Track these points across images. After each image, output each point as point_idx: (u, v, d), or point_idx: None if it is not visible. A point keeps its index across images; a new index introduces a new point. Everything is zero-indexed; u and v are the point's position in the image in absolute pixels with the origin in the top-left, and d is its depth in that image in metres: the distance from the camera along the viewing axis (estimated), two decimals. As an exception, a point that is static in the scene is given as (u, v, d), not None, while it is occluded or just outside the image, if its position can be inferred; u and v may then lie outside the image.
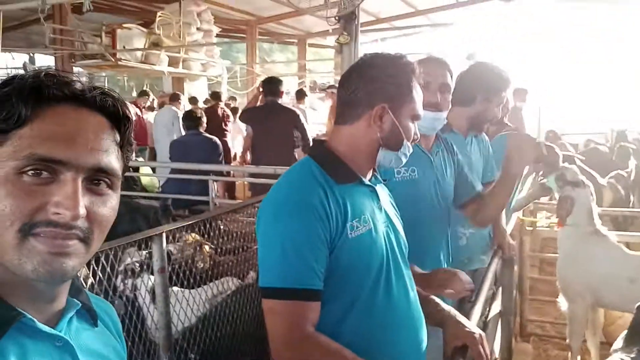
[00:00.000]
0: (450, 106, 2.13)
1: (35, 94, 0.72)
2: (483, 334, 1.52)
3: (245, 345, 3.07)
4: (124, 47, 10.11)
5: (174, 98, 8.19)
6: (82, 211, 0.71)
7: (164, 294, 2.43)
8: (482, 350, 1.43)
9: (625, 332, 2.32)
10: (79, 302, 0.81)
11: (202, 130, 5.53)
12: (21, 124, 0.71)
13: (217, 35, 12.71)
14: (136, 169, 6.45)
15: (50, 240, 0.70)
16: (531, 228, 3.96)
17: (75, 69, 10.25)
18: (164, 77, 12.51)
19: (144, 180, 6.84)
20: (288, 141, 5.22)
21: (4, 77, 0.76)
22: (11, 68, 14.64)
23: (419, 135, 1.50)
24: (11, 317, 0.70)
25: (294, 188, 1.36)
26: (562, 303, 3.53)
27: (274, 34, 14.41)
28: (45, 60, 14.24)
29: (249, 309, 3.09)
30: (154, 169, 6.96)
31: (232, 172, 6.33)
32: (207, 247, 3.22)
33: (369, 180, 1.47)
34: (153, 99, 10.35)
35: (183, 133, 6.42)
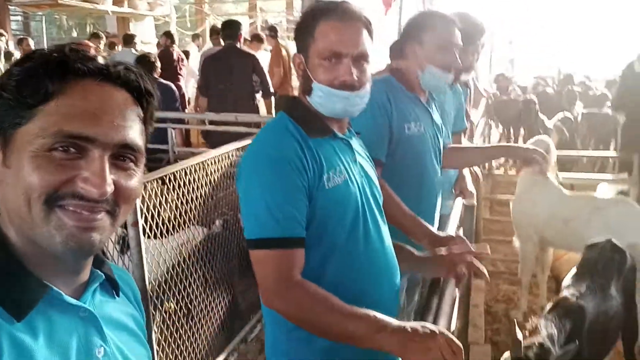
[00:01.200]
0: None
1: (60, 68, 0.71)
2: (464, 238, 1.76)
3: (217, 291, 3.17)
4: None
5: (129, 40, 7.71)
6: (110, 188, 0.72)
7: (137, 247, 2.45)
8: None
9: (574, 269, 2.54)
10: (102, 274, 0.82)
11: (156, 75, 5.35)
12: (47, 100, 0.70)
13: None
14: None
15: (78, 213, 0.71)
16: (487, 172, 4.15)
17: (12, 9, 9.64)
18: (107, 17, 11.90)
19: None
20: (247, 86, 5.13)
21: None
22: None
23: (348, 78, 1.41)
24: (40, 291, 0.71)
25: (271, 144, 1.40)
26: (516, 242, 3.80)
27: (224, -29, 13.85)
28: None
29: (219, 256, 3.16)
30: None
31: (187, 119, 6.19)
32: (172, 197, 3.23)
33: (344, 134, 1.52)
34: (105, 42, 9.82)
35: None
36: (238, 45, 5.22)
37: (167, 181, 2.75)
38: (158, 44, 9.06)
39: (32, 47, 7.95)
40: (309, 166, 1.36)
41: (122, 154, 0.75)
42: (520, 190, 3.69)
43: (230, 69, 5.06)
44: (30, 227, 0.71)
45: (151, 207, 2.68)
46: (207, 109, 5.28)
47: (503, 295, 4.14)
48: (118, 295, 0.86)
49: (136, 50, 7.46)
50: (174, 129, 5.06)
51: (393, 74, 2.16)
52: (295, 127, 1.41)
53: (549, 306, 2.21)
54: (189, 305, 2.86)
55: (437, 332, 1.29)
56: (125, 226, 2.47)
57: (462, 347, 1.30)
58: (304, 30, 1.44)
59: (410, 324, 1.31)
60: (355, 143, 1.57)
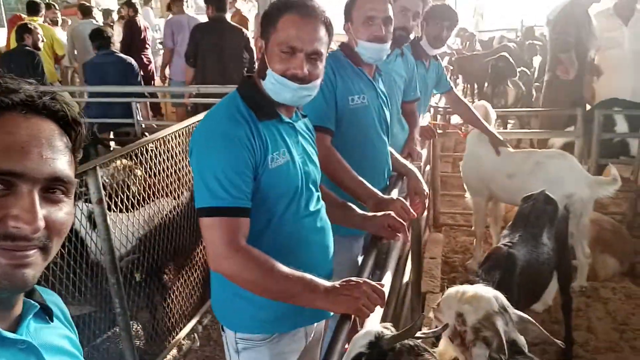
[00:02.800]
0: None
1: None
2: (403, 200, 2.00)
3: (185, 260, 3.33)
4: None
5: (87, 11, 7.49)
6: (41, 224, 0.71)
7: (104, 223, 2.59)
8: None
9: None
10: (36, 304, 0.81)
11: (114, 49, 5.31)
12: None
13: None
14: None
15: (10, 252, 0.70)
16: (441, 131, 4.32)
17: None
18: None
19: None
20: (239, 62, 5.10)
21: None
22: None
23: (299, 72, 1.55)
24: None
25: (223, 121, 1.55)
26: (468, 197, 4.03)
27: None
28: None
29: (185, 227, 3.31)
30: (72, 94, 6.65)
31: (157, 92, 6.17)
32: (138, 171, 3.33)
33: (290, 118, 1.67)
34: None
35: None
36: (227, 16, 5.21)
37: (132, 156, 2.86)
38: (121, 15, 8.83)
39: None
40: (256, 146, 1.52)
41: (52, 186, 0.74)
42: (468, 148, 3.90)
43: (220, 43, 5.03)
44: None
45: (114, 184, 2.80)
46: (194, 81, 5.24)
47: (461, 246, 4.39)
48: (52, 321, 0.85)
49: (96, 20, 7.33)
50: (137, 102, 5.10)
51: (342, 49, 2.30)
52: (246, 108, 1.56)
53: (483, 257, 2.43)
54: (159, 274, 3.03)
55: (362, 281, 1.50)
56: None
57: (383, 290, 1.51)
58: (268, 19, 1.58)
59: (338, 282, 1.51)
60: (300, 125, 1.73)
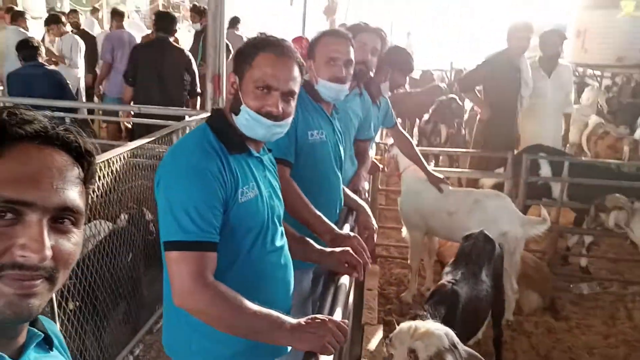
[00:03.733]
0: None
1: None
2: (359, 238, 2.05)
3: (122, 285, 3.19)
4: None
5: (17, 16, 6.98)
6: (49, 253, 0.71)
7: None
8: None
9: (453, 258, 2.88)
10: (40, 333, 0.81)
11: (41, 60, 4.99)
12: None
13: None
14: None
15: (17, 282, 0.70)
16: (382, 166, 4.46)
17: None
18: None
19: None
20: (179, 84, 5.02)
21: None
22: None
23: (275, 110, 1.58)
24: None
25: (194, 154, 1.53)
26: (404, 232, 4.17)
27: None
28: None
29: (123, 252, 3.18)
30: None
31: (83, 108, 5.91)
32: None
33: (259, 152, 1.68)
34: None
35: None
36: (171, 39, 5.12)
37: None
38: (47, 21, 8.23)
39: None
40: (227, 179, 1.52)
41: (61, 216, 0.74)
42: (407, 185, 4.06)
43: (162, 63, 4.95)
44: None
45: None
46: (132, 100, 5.13)
47: (395, 278, 4.51)
48: (52, 350, 0.85)
49: (26, 28, 6.93)
50: (72, 119, 4.87)
51: (303, 85, 2.35)
52: (217, 141, 1.56)
53: (429, 293, 2.53)
54: (94, 301, 2.88)
55: (327, 319, 1.52)
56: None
57: (347, 327, 1.54)
58: (243, 56, 1.60)
59: (303, 319, 1.52)
60: (266, 159, 1.75)
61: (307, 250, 1.97)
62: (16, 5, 8.82)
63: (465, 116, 6.71)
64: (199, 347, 1.63)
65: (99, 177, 2.91)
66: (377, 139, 4.43)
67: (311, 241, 2.00)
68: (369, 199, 4.24)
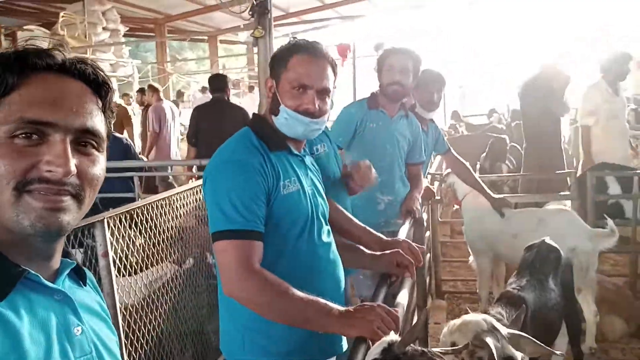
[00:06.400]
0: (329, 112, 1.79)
1: (20, 63, 0.76)
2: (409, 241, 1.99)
3: (188, 326, 3.25)
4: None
5: None
6: (73, 168, 0.75)
7: (108, 276, 2.57)
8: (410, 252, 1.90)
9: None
10: (72, 262, 0.85)
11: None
12: (8, 92, 0.75)
13: (125, 35, 12.45)
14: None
15: (44, 196, 0.74)
16: (439, 197, 4.41)
17: None
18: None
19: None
20: None
21: None
22: None
23: (311, 107, 1.63)
24: (18, 273, 0.74)
25: (236, 151, 1.63)
26: (472, 260, 4.04)
27: (184, 32, 14.30)
28: None
29: (188, 291, 3.26)
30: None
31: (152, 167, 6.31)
32: (140, 240, 3.33)
33: (299, 152, 1.75)
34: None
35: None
36: (226, 97, 5.42)
37: (127, 223, 2.88)
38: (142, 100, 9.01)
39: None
40: (269, 173, 1.58)
41: (83, 139, 0.79)
42: (469, 213, 3.98)
43: (220, 120, 5.20)
44: (1, 214, 0.75)
45: (122, 244, 2.79)
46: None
47: (464, 313, 4.31)
48: (85, 284, 0.89)
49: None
50: (140, 177, 5.19)
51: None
52: (258, 141, 1.65)
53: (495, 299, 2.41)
54: (160, 335, 2.94)
55: (376, 305, 1.50)
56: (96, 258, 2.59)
57: (397, 314, 1.50)
58: (279, 60, 1.70)
59: (352, 307, 1.50)
60: (308, 161, 1.81)
61: (358, 256, 1.97)
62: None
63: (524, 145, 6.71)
64: (252, 345, 1.64)
65: (163, 214, 3.06)
66: (432, 169, 4.41)
67: (360, 247, 2.00)
68: (429, 232, 4.19)
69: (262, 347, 1.63)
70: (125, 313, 2.77)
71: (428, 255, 4.07)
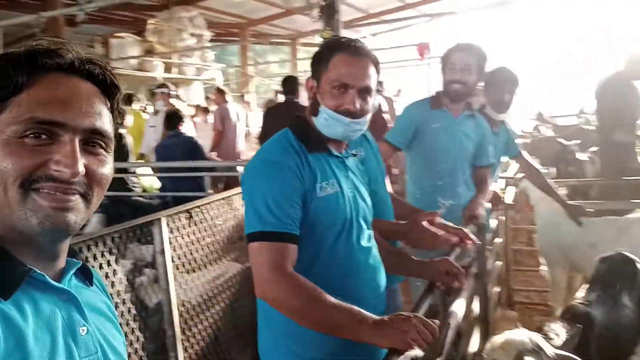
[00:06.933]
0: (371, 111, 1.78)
1: (29, 62, 0.76)
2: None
3: (245, 324, 3.29)
4: (118, 56, 10.32)
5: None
6: (81, 168, 0.75)
7: (165, 273, 2.65)
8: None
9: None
10: (78, 261, 0.85)
11: (181, 129, 5.66)
12: (18, 91, 0.75)
13: (211, 40, 12.91)
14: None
15: (52, 195, 0.74)
16: (511, 202, 4.17)
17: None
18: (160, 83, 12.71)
19: (144, 183, 7.06)
20: None
21: None
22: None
23: (352, 107, 1.59)
24: (24, 272, 0.74)
25: (275, 152, 1.61)
26: (545, 269, 3.79)
27: (266, 36, 14.61)
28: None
29: (246, 290, 3.30)
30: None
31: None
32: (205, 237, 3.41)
33: (340, 153, 1.70)
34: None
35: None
36: (297, 99, 5.50)
37: (193, 219, 2.96)
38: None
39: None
40: (305, 175, 1.55)
41: (91, 139, 0.79)
42: (542, 220, 3.73)
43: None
44: (8, 212, 0.74)
45: (181, 243, 2.87)
46: None
47: (537, 327, 4.05)
48: (92, 284, 0.89)
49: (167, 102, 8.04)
50: (210, 176, 5.35)
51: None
52: (297, 142, 1.62)
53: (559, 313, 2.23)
54: (216, 332, 3.00)
55: (412, 315, 1.41)
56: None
57: (435, 326, 1.40)
58: (319, 60, 1.66)
59: (387, 316, 1.43)
60: (351, 162, 1.75)
61: (405, 263, 1.90)
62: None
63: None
64: (286, 349, 1.62)
65: (225, 219, 3.12)
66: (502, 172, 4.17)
67: (407, 253, 1.92)
68: (502, 239, 3.97)
69: (296, 352, 1.60)
70: (182, 309, 2.84)
71: (499, 263, 3.86)
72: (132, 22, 12.40)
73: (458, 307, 2.12)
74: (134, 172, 6.48)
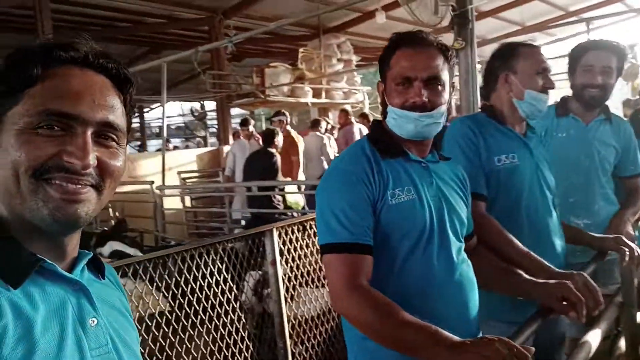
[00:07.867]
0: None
1: (44, 55, 0.78)
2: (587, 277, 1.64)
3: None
4: (271, 84, 10.95)
5: (315, 124, 8.56)
6: (92, 160, 0.76)
7: (276, 284, 2.68)
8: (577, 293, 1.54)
9: None
10: (89, 252, 0.86)
11: (274, 150, 6.26)
12: (32, 84, 0.76)
13: (358, 64, 13.18)
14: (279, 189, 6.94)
15: (63, 186, 0.75)
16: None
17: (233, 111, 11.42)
18: (311, 108, 13.27)
19: (289, 199, 7.37)
20: None
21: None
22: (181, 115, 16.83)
23: (418, 100, 1.50)
24: (34, 262, 0.74)
25: (344, 160, 1.58)
26: None
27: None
28: (209, 105, 16.15)
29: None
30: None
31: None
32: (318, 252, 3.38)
33: (424, 158, 1.59)
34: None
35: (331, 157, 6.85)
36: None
37: (307, 229, 2.96)
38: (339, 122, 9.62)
39: (252, 128, 9.40)
40: (374, 180, 1.48)
41: (104, 132, 0.80)
42: None
43: None
44: (19, 202, 0.75)
45: (294, 255, 2.85)
46: None
47: None
48: (104, 278, 0.89)
49: (321, 132, 8.31)
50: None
51: (484, 110, 2.16)
52: (370, 148, 1.56)
53: None
54: (330, 349, 2.94)
55: (496, 339, 1.23)
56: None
57: (528, 354, 1.20)
58: (383, 60, 1.61)
59: (471, 339, 1.27)
60: (439, 167, 1.62)
61: (514, 281, 1.69)
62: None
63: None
64: None
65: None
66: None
67: (518, 270, 1.70)
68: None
69: None
70: (294, 322, 2.84)
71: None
72: (287, 53, 13.23)
73: (593, 338, 1.83)
74: (282, 189, 6.82)
